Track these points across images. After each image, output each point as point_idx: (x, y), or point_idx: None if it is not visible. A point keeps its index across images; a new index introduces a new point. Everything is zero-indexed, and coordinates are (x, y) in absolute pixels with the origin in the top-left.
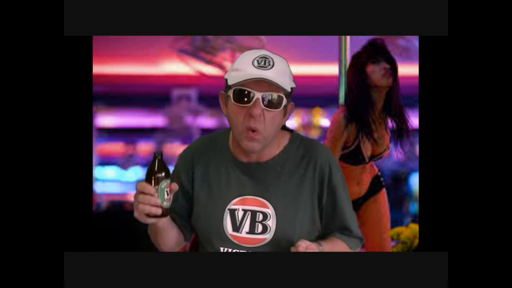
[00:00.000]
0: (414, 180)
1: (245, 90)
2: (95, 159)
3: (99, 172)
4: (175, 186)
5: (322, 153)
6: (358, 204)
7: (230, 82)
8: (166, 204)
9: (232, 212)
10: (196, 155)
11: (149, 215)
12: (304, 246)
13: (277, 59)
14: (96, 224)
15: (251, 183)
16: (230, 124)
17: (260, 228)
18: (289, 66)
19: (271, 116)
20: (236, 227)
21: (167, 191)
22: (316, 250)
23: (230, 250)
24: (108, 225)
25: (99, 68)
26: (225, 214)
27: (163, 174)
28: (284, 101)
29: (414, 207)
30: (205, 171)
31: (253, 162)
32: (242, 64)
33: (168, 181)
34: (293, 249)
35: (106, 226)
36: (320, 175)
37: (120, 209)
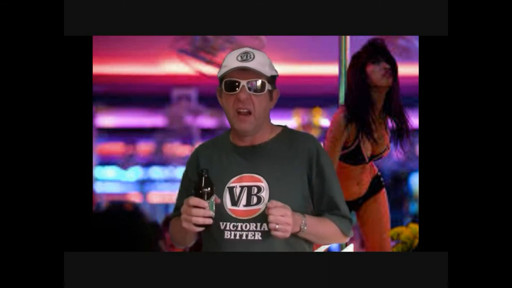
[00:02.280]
0: (414, 180)
1: (233, 80)
2: (95, 159)
3: (99, 172)
4: (218, 200)
5: (309, 139)
6: (358, 204)
7: (219, 76)
8: (214, 215)
9: (231, 190)
10: (201, 151)
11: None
12: (274, 203)
13: (257, 53)
14: (96, 224)
15: (247, 163)
16: (225, 112)
17: (255, 200)
18: (268, 58)
19: (258, 99)
20: (235, 202)
21: (214, 204)
22: (287, 212)
23: (228, 224)
24: (108, 225)
25: (99, 68)
26: (224, 192)
27: (209, 189)
28: (267, 86)
29: (414, 207)
30: (208, 161)
31: (248, 145)
32: (228, 61)
33: (214, 195)
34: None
35: (106, 226)
36: (308, 157)
37: (120, 209)
